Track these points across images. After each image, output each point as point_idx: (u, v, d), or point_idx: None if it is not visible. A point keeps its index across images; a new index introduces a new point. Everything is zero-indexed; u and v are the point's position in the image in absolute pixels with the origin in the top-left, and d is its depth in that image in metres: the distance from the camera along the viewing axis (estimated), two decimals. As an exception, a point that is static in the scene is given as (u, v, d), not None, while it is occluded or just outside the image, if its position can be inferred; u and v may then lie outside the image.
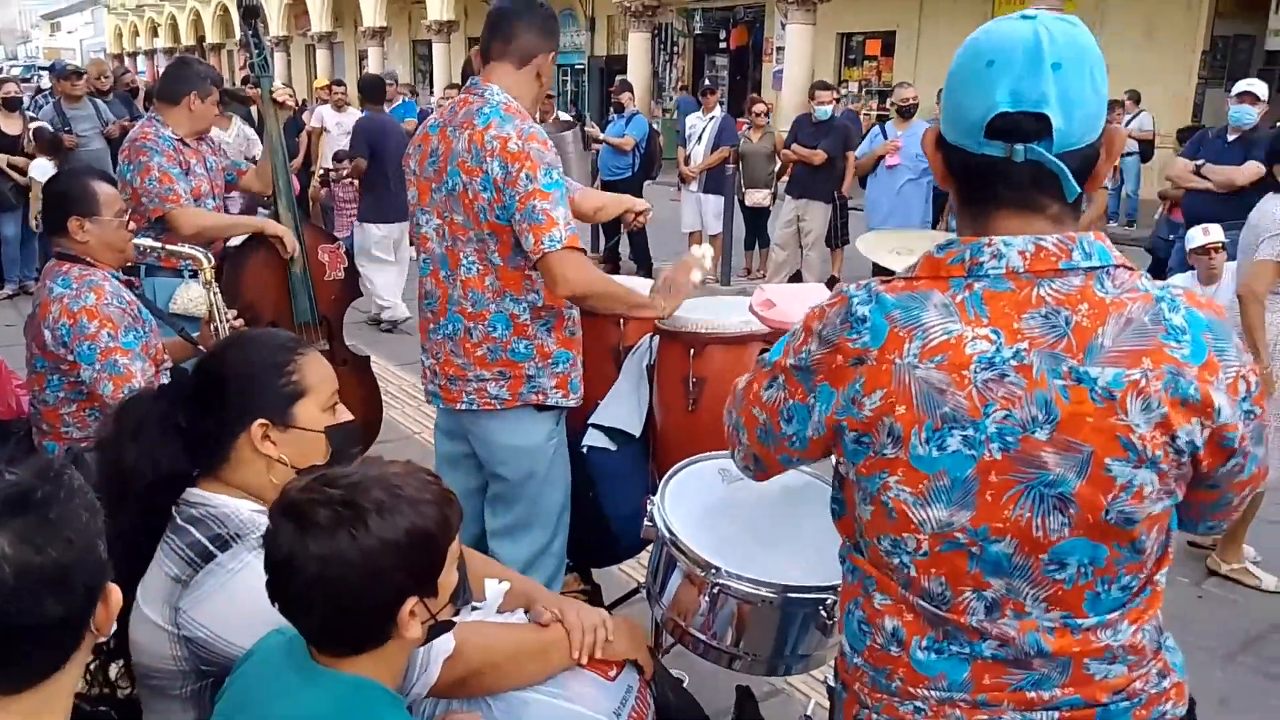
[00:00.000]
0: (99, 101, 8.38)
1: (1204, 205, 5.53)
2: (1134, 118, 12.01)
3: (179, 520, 1.49)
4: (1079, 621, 1.18)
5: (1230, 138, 5.65)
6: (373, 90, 7.94)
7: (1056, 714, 1.20)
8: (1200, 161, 5.68)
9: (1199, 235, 4.66)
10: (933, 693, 1.23)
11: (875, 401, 1.15)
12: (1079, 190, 1.13)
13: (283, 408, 1.54)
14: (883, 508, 1.19)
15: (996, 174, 1.15)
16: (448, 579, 1.30)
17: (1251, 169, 5.45)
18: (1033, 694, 1.20)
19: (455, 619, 1.36)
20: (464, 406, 2.50)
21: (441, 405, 2.59)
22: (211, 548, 1.43)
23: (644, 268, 9.05)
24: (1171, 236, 6.15)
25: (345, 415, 1.64)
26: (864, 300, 1.18)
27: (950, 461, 1.13)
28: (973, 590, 1.18)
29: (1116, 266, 1.14)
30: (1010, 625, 1.18)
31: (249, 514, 1.48)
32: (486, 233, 2.35)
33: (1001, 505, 1.13)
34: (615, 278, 3.25)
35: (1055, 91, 1.09)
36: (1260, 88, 5.71)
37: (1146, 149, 11.95)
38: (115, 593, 1.10)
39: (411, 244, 9.51)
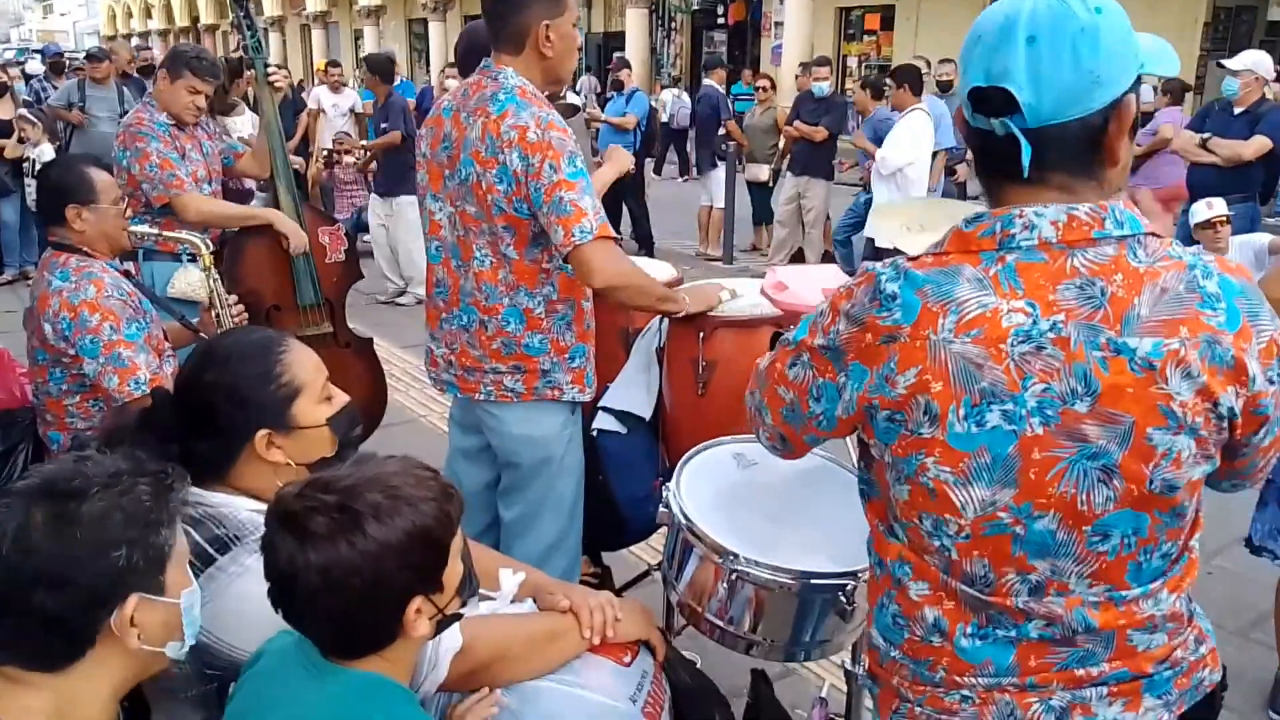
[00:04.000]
0: (125, 89, 8.28)
1: (1209, 178, 5.50)
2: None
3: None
4: (1122, 593, 1.18)
5: (1236, 111, 5.60)
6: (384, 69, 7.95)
7: (1105, 689, 1.21)
8: (1206, 135, 5.64)
9: (1203, 210, 4.63)
10: (980, 679, 1.22)
11: (910, 379, 1.13)
12: (1025, 172, 1.11)
13: (282, 412, 1.51)
14: (922, 488, 1.17)
15: (994, 147, 1.15)
16: (453, 573, 1.28)
17: (1258, 143, 5.41)
18: (1080, 671, 1.20)
19: (463, 611, 1.34)
20: (481, 397, 2.44)
21: (459, 395, 2.53)
22: (210, 550, 1.41)
23: (646, 248, 9.00)
24: None
25: (341, 399, 1.60)
26: (892, 277, 1.16)
27: (990, 438, 1.12)
28: (1016, 573, 1.18)
29: (1147, 234, 1.13)
30: (1056, 603, 1.18)
31: (246, 514, 1.46)
32: (501, 226, 2.26)
33: (1046, 482, 1.12)
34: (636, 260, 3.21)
35: (1025, 66, 1.09)
36: (1250, 58, 5.65)
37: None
38: (132, 604, 1.14)
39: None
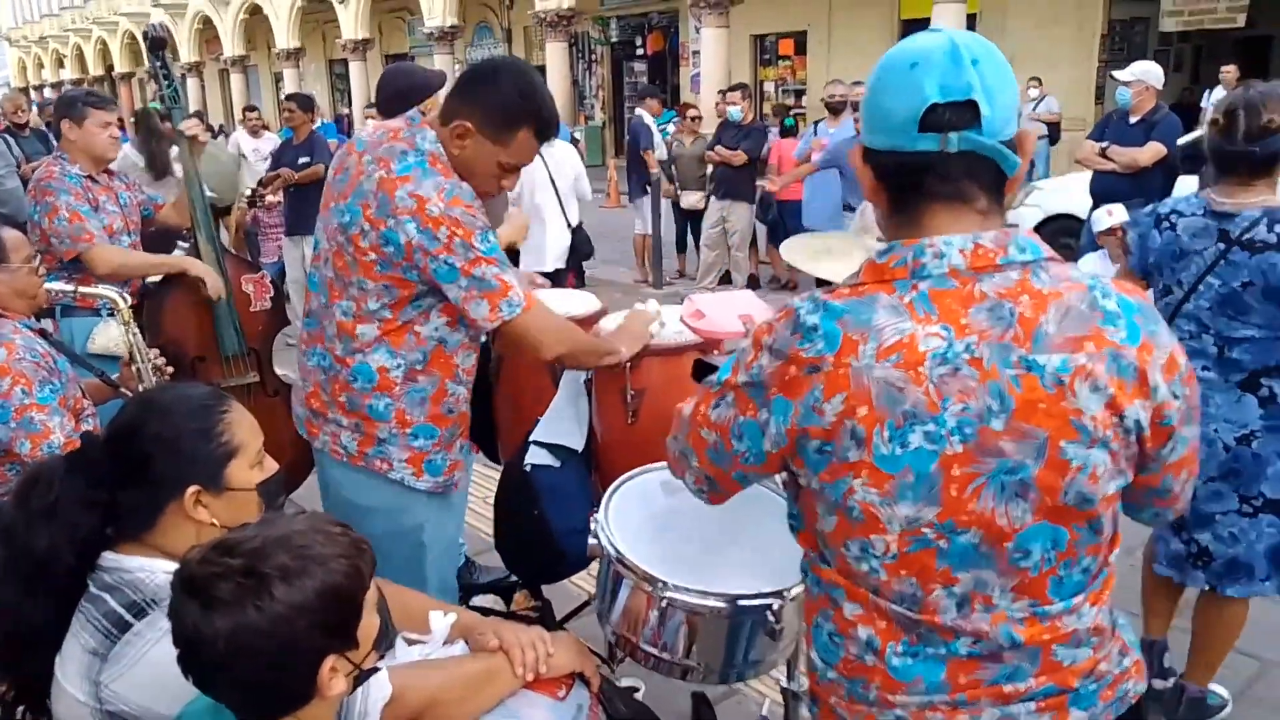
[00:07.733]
0: (8, 138, 8.09)
1: (1110, 185, 5.73)
2: (1041, 101, 12.32)
3: (93, 589, 1.44)
4: (1046, 609, 1.21)
5: (1133, 120, 5.85)
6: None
7: (1033, 704, 1.23)
8: (1105, 144, 5.88)
9: (1104, 217, 4.84)
10: (911, 698, 1.23)
11: (837, 406, 1.16)
12: (1017, 162, 1.16)
13: (215, 471, 1.49)
14: (846, 514, 1.20)
15: (930, 169, 1.17)
16: (368, 627, 1.27)
17: (1153, 149, 5.66)
18: (1009, 687, 1.22)
19: (380, 665, 1.34)
20: (319, 445, 2.32)
21: (304, 434, 2.39)
22: (128, 616, 1.39)
23: (578, 277, 9.02)
24: None
25: (272, 466, 1.60)
26: (811, 310, 1.19)
27: (913, 458, 1.15)
28: (942, 588, 1.20)
29: (1048, 259, 1.18)
30: (982, 619, 1.21)
31: (164, 577, 1.41)
32: (382, 285, 2.11)
33: (966, 498, 1.16)
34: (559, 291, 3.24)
35: (979, 82, 1.14)
36: (1140, 68, 5.92)
37: (1054, 131, 12.25)
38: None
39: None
